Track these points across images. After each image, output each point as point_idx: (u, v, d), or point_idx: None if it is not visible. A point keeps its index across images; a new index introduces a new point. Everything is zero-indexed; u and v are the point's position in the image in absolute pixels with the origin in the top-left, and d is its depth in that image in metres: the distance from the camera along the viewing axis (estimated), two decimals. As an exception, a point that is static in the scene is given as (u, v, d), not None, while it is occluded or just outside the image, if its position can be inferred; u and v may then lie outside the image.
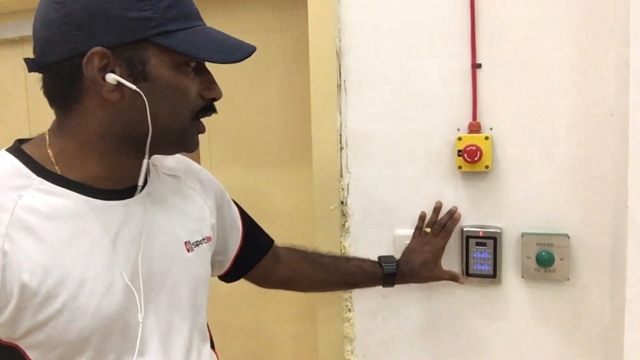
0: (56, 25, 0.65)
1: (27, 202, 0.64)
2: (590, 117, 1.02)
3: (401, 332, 1.20)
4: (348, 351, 1.24)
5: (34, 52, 0.69)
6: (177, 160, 0.88)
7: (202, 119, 0.75)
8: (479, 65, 1.08)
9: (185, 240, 0.79)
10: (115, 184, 0.72)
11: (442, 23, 1.09)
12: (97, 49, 0.64)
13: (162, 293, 0.75)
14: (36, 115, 1.62)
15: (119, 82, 0.65)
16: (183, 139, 0.73)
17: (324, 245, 1.22)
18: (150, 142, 0.69)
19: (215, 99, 0.74)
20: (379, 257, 1.11)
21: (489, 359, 1.14)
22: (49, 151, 0.69)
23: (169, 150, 0.75)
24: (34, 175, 0.67)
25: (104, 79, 0.65)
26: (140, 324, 0.70)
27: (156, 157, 0.83)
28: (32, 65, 0.69)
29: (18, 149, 0.69)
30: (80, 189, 0.68)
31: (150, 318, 0.73)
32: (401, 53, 1.12)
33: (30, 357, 0.65)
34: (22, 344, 0.64)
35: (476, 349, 1.15)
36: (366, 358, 1.24)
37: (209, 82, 0.73)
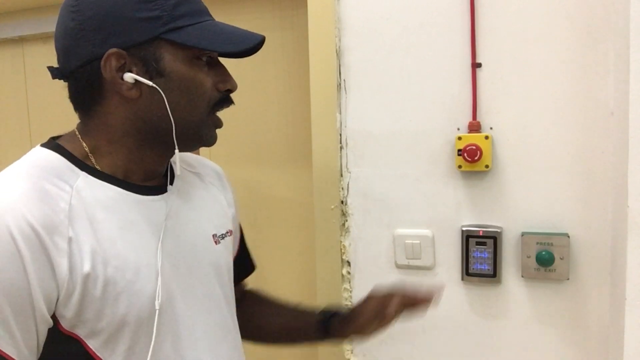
0: (73, 32, 0.69)
1: (80, 193, 0.67)
2: (590, 117, 1.02)
3: (401, 332, 1.20)
4: (348, 351, 1.24)
5: (58, 61, 0.73)
6: (195, 159, 0.92)
7: (218, 113, 0.77)
8: (479, 65, 1.08)
9: (213, 233, 0.83)
10: (145, 179, 0.76)
11: (442, 23, 1.09)
12: (113, 50, 0.67)
13: (196, 284, 0.78)
14: (36, 115, 1.62)
15: (136, 80, 0.69)
16: (202, 132, 0.75)
17: (324, 245, 1.22)
18: (164, 136, 0.72)
19: (230, 90, 0.76)
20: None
21: (489, 358, 1.14)
22: (85, 148, 0.72)
23: (190, 145, 0.77)
24: (77, 170, 0.70)
25: (122, 78, 0.69)
26: (157, 311, 0.71)
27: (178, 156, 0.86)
28: (56, 73, 0.74)
29: (58, 145, 0.72)
30: (118, 183, 0.72)
31: (183, 308, 0.75)
32: (401, 53, 1.12)
33: (91, 346, 0.67)
34: (82, 333, 0.66)
35: (476, 348, 1.15)
36: (366, 358, 1.24)
37: (223, 75, 0.76)
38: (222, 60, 0.78)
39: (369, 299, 0.91)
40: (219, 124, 0.77)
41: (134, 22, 0.68)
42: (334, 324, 0.92)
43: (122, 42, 0.68)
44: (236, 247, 0.96)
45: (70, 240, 0.64)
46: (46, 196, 0.64)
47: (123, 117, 0.71)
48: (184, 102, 0.71)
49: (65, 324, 0.65)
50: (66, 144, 0.72)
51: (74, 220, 0.65)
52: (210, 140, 0.77)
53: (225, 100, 0.76)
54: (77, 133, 0.74)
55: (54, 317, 0.65)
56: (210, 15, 0.76)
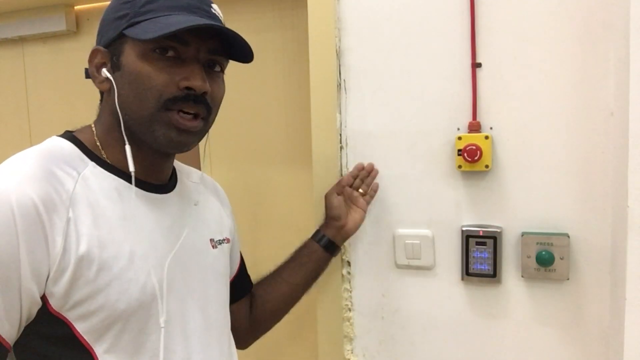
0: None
1: (86, 181, 0.71)
2: (590, 117, 1.02)
3: (401, 332, 1.20)
4: (348, 351, 1.25)
5: None
6: (197, 174, 0.95)
7: (186, 114, 0.72)
8: (479, 65, 1.08)
9: (210, 238, 0.86)
10: (146, 176, 0.78)
11: (442, 23, 1.09)
12: (94, 48, 0.76)
13: (192, 284, 0.80)
14: (36, 115, 1.62)
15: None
16: (153, 128, 0.72)
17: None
18: (128, 132, 0.73)
19: (191, 89, 0.71)
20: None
21: (488, 358, 1.14)
22: (97, 140, 0.77)
23: (145, 143, 0.74)
24: (87, 159, 0.74)
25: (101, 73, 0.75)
26: (162, 330, 0.74)
27: (182, 168, 0.91)
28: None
29: (72, 136, 0.76)
30: (123, 175, 0.75)
31: (177, 305, 0.77)
32: (401, 53, 1.12)
33: (79, 330, 0.68)
34: (72, 316, 0.67)
35: (476, 348, 1.15)
36: (366, 358, 1.24)
37: (189, 72, 0.72)
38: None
39: (325, 200, 1.10)
40: (175, 122, 0.71)
41: (111, 22, 0.74)
42: (333, 236, 1.08)
43: (103, 41, 0.75)
44: (236, 268, 1.02)
45: (68, 220, 0.66)
46: (52, 178, 0.67)
47: (109, 112, 0.76)
48: (132, 96, 0.72)
49: (54, 304, 0.66)
50: (80, 134, 0.77)
51: (76, 203, 0.68)
52: (164, 141, 0.72)
53: (185, 99, 0.71)
54: (92, 125, 0.79)
55: (44, 297, 0.66)
56: (197, 11, 0.72)
